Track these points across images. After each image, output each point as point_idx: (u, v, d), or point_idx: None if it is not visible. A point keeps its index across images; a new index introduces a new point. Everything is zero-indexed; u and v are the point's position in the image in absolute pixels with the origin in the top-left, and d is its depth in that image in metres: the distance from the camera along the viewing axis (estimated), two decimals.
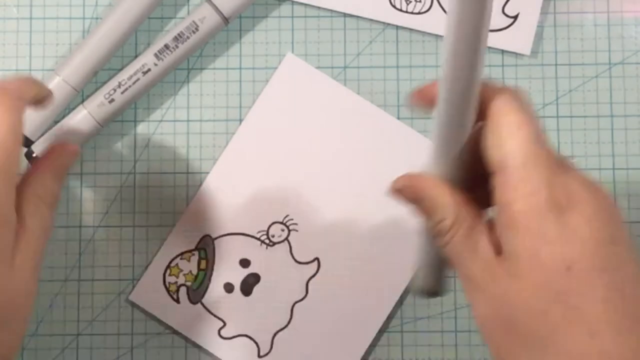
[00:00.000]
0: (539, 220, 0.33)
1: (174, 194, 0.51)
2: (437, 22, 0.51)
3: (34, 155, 0.48)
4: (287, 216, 0.50)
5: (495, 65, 0.51)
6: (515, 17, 0.51)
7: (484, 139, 0.35)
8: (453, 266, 0.36)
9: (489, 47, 0.51)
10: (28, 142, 0.49)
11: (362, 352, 0.50)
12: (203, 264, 0.50)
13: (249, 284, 0.50)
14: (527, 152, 0.34)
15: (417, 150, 0.51)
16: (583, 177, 0.34)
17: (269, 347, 0.50)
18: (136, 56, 0.51)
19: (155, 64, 0.49)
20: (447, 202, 0.36)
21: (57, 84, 0.48)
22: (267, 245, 0.50)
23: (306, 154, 0.51)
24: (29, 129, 0.48)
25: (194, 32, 0.49)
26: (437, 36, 0.51)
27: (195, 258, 0.50)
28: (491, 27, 0.51)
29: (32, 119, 0.48)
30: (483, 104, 0.35)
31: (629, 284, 0.33)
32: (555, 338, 0.32)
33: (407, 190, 0.38)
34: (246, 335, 0.50)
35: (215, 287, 0.50)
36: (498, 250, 0.34)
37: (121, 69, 0.51)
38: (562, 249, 0.32)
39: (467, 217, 0.35)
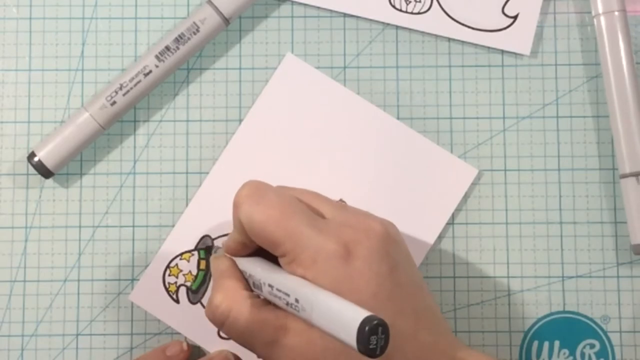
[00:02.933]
0: (331, 272, 0.39)
1: (174, 194, 0.51)
2: (437, 22, 0.51)
3: (36, 159, 0.48)
4: None
5: (495, 65, 0.51)
6: (515, 17, 0.51)
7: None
8: (238, 341, 0.41)
9: (489, 47, 0.51)
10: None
11: None
12: (203, 264, 0.50)
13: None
14: (295, 241, 0.40)
15: (417, 151, 0.51)
16: (356, 219, 0.41)
17: None
18: (136, 57, 0.51)
19: (157, 66, 0.49)
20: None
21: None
22: None
23: (306, 154, 0.51)
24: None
25: (194, 33, 0.49)
26: (437, 36, 0.51)
27: (194, 258, 0.50)
28: (491, 27, 0.51)
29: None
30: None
31: (409, 303, 0.40)
32: None
33: (215, 263, 0.45)
34: None
35: None
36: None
37: (122, 70, 0.51)
38: (350, 289, 0.38)
39: (241, 300, 0.41)
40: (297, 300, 0.38)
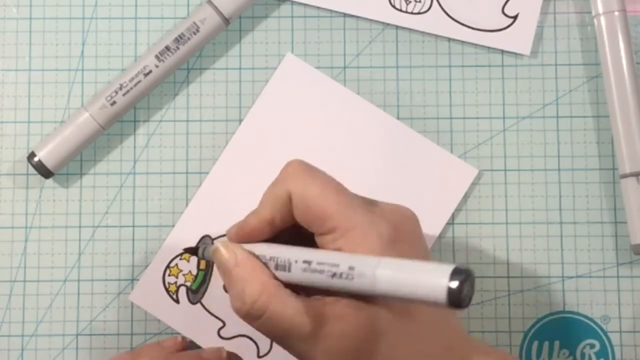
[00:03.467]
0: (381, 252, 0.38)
1: (174, 194, 0.51)
2: (437, 22, 0.51)
3: (36, 159, 0.48)
4: None
5: (495, 65, 0.51)
6: (515, 17, 0.51)
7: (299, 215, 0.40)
8: (276, 335, 0.39)
9: (489, 47, 0.51)
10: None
11: None
12: (203, 264, 0.50)
13: None
14: (350, 216, 0.38)
15: (417, 151, 0.51)
16: (394, 206, 0.41)
17: (268, 347, 0.50)
18: (136, 57, 0.51)
19: (157, 66, 0.49)
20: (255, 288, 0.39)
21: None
22: None
23: (306, 154, 0.51)
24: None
25: (194, 33, 0.49)
26: (437, 36, 0.51)
27: (194, 258, 0.50)
28: (491, 27, 0.51)
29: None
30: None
31: None
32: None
33: (221, 253, 0.42)
34: (245, 336, 0.50)
35: (215, 288, 0.50)
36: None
37: (122, 70, 0.51)
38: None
39: (275, 285, 0.39)
40: (351, 268, 0.36)
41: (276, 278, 0.39)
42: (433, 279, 0.33)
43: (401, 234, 0.39)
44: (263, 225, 0.40)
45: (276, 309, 0.37)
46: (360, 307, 0.37)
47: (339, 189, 0.39)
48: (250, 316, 0.38)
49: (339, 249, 0.38)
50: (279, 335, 0.38)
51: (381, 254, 0.37)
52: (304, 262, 0.38)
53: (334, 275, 0.36)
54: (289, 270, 0.38)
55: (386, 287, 0.35)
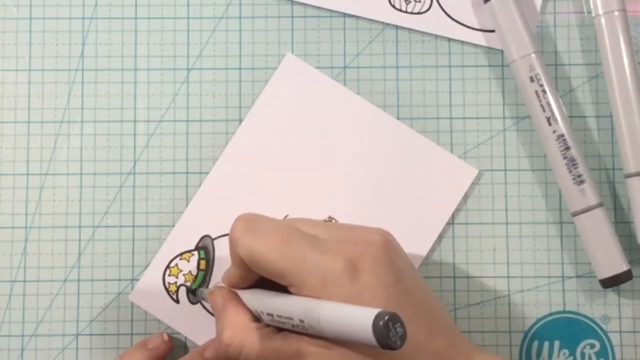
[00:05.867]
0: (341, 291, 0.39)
1: (174, 194, 0.51)
2: (437, 22, 0.51)
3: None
4: (286, 216, 0.50)
5: (495, 65, 0.51)
6: None
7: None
8: None
9: (489, 47, 0.51)
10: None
11: None
12: (203, 264, 0.50)
13: None
14: (301, 267, 0.39)
15: (417, 151, 0.51)
16: (353, 233, 0.41)
17: None
18: (136, 57, 0.51)
19: None
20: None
21: None
22: None
23: (306, 154, 0.51)
24: None
25: None
26: (437, 36, 0.51)
27: (194, 258, 0.50)
28: (491, 27, 0.51)
29: None
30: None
31: (420, 308, 0.40)
32: None
33: (213, 297, 0.45)
34: None
35: None
36: None
37: (122, 70, 0.51)
38: (360, 304, 0.37)
39: (251, 331, 0.41)
40: (301, 321, 0.38)
41: (257, 320, 0.42)
42: (361, 323, 0.35)
43: (360, 267, 0.39)
44: (237, 280, 0.43)
45: (250, 350, 0.40)
46: (331, 347, 0.38)
47: (285, 240, 0.40)
48: (229, 357, 0.41)
49: (306, 296, 0.39)
50: None
51: (342, 295, 0.38)
52: (267, 314, 0.41)
53: (293, 326, 0.39)
54: (261, 320, 0.42)
55: (332, 334, 0.37)
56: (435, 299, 0.42)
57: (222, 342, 0.41)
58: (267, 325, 0.42)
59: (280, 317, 0.40)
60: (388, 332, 0.34)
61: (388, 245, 0.41)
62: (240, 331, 0.41)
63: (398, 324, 0.35)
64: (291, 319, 0.39)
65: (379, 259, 0.40)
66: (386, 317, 0.34)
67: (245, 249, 0.40)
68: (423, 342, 0.39)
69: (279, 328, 0.41)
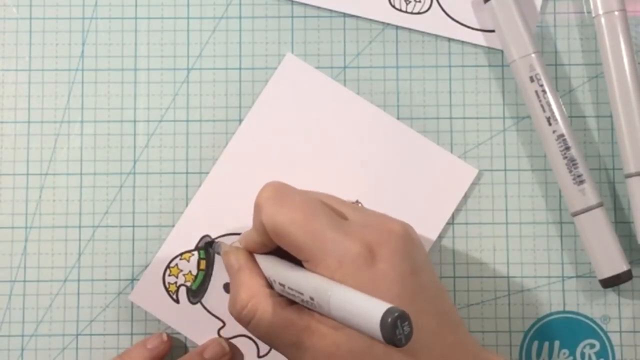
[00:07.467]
0: (356, 275, 0.38)
1: (174, 194, 0.51)
2: (437, 22, 0.51)
3: None
4: None
5: (495, 65, 0.51)
6: None
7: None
8: (263, 340, 0.41)
9: (489, 47, 0.51)
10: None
11: None
12: (203, 264, 0.50)
13: None
14: (320, 245, 0.39)
15: (417, 151, 0.51)
16: (376, 220, 0.40)
17: (268, 347, 0.50)
18: (136, 57, 0.51)
19: None
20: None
21: None
22: None
23: (306, 154, 0.51)
24: None
25: None
26: (437, 36, 0.51)
27: (194, 258, 0.50)
28: (491, 27, 0.51)
29: None
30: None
31: (432, 304, 0.40)
32: None
33: (229, 257, 0.44)
34: (245, 336, 0.50)
35: (215, 287, 0.50)
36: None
37: (122, 70, 0.51)
38: (373, 291, 0.37)
39: (265, 295, 0.41)
40: (312, 298, 0.38)
41: (271, 287, 0.41)
42: (370, 315, 0.35)
43: (378, 254, 0.39)
44: (255, 246, 0.43)
45: (262, 316, 0.40)
46: (340, 329, 0.38)
47: (309, 215, 0.40)
48: (241, 319, 0.41)
49: (320, 274, 0.39)
50: (267, 341, 0.41)
51: (356, 279, 0.38)
52: (280, 284, 0.41)
53: (302, 300, 0.39)
54: (273, 287, 0.42)
55: (339, 317, 0.37)
56: (447, 298, 0.42)
57: (237, 304, 0.41)
58: (280, 295, 0.41)
59: (292, 290, 0.40)
60: (395, 329, 0.34)
61: (408, 238, 0.41)
62: (256, 294, 0.41)
63: (406, 323, 0.35)
64: (302, 294, 0.39)
65: (398, 249, 0.40)
66: (395, 314, 0.34)
67: (268, 216, 0.40)
68: (431, 337, 0.39)
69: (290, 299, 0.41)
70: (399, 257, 0.39)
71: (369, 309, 0.35)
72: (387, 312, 0.34)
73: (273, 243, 0.42)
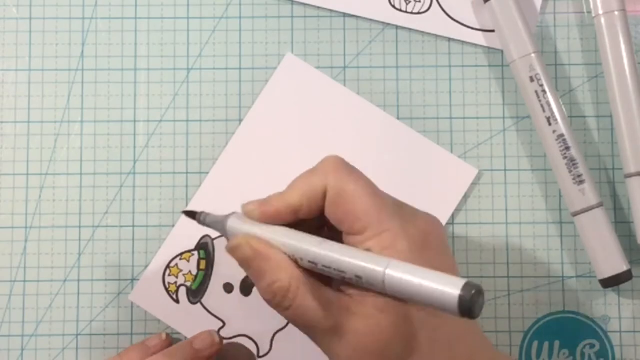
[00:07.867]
0: (407, 257, 0.37)
1: (174, 194, 0.51)
2: (437, 22, 0.51)
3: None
4: None
5: (495, 65, 0.51)
6: None
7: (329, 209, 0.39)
8: (302, 325, 0.39)
9: (489, 47, 0.51)
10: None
11: None
12: (203, 264, 0.50)
13: (248, 284, 0.50)
14: (383, 218, 0.38)
15: (417, 151, 0.51)
16: (420, 212, 0.40)
17: (268, 347, 0.50)
18: (136, 57, 0.51)
19: None
20: (281, 263, 0.38)
21: None
22: None
23: (306, 154, 0.51)
24: None
25: None
26: (437, 36, 0.51)
27: (194, 258, 0.50)
28: (491, 27, 0.51)
29: None
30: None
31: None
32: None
33: (242, 249, 0.39)
34: (246, 336, 0.50)
35: (215, 287, 0.50)
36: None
37: (122, 70, 0.51)
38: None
39: (301, 275, 0.38)
40: (358, 277, 0.36)
41: (299, 267, 0.38)
42: (444, 290, 0.35)
43: (429, 242, 0.39)
44: (288, 212, 0.40)
45: (301, 302, 0.38)
46: (386, 310, 0.37)
47: (374, 191, 0.39)
48: (281, 307, 0.38)
49: (368, 250, 0.38)
50: (303, 327, 0.39)
51: (409, 259, 0.37)
52: (310, 262, 0.38)
53: (343, 278, 0.37)
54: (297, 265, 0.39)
55: (401, 292, 0.36)
56: None
57: (274, 286, 0.38)
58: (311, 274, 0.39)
59: (329, 267, 0.37)
60: (475, 303, 0.34)
61: (445, 231, 0.41)
62: (293, 277, 0.38)
63: (481, 295, 0.35)
64: (344, 272, 0.37)
65: (444, 240, 0.40)
66: (473, 291, 0.34)
67: (337, 180, 0.39)
68: (461, 332, 0.39)
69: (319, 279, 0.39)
70: (444, 248, 0.40)
71: (444, 284, 0.35)
72: (467, 286, 0.34)
73: (309, 211, 0.39)
